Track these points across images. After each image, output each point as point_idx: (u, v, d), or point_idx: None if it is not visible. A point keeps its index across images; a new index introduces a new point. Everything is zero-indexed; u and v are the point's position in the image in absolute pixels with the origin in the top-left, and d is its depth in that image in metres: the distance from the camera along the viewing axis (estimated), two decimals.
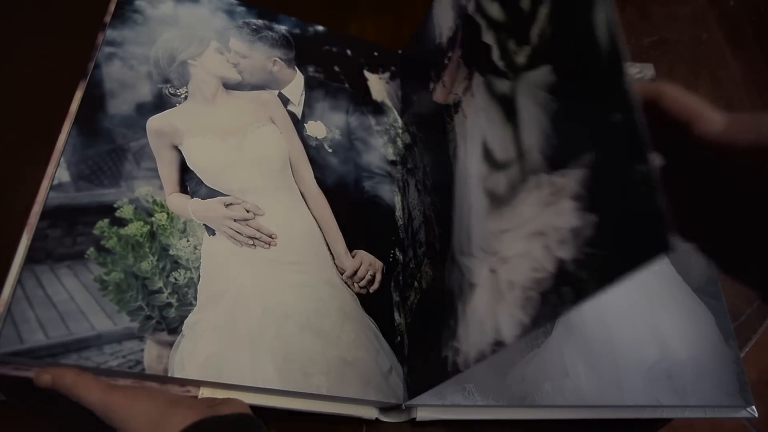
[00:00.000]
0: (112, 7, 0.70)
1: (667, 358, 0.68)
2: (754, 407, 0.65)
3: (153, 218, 0.62)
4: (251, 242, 0.64)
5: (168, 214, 0.63)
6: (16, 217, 0.63)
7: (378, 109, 0.78)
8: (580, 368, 0.67)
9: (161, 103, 0.67)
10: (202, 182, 0.66)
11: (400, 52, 0.84)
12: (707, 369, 0.67)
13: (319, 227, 0.69)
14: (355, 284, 0.67)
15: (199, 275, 0.62)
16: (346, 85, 0.78)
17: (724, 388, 0.66)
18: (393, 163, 0.76)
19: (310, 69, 0.77)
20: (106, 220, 0.61)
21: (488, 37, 0.56)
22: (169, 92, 0.67)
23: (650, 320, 0.70)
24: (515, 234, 0.49)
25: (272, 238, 0.65)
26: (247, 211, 0.65)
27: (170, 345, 0.58)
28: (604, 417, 0.65)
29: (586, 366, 0.67)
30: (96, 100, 0.66)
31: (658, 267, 0.73)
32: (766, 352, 0.81)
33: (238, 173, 0.67)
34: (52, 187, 0.62)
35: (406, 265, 0.70)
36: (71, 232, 0.60)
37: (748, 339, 0.75)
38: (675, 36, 0.98)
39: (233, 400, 0.56)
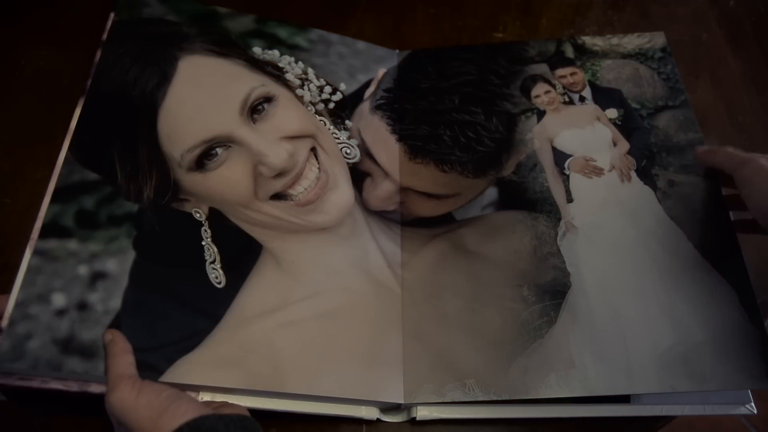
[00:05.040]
0: (109, 24, 0.70)
1: (683, 341, 0.63)
2: (753, 404, 0.65)
3: None
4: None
5: None
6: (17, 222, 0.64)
7: None
8: (586, 357, 0.64)
9: None
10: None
11: (398, 51, 0.84)
12: (728, 351, 0.63)
13: None
14: None
15: None
16: None
17: (748, 371, 0.61)
18: None
19: None
20: None
21: None
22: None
23: (664, 301, 0.66)
24: None
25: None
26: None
27: None
28: (605, 415, 0.65)
29: (594, 354, 0.64)
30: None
31: (673, 242, 0.69)
32: None
33: None
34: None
35: None
36: None
37: None
38: (675, 36, 0.98)
39: (233, 403, 0.57)
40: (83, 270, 0.59)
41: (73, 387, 0.57)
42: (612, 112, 0.78)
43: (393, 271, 0.71)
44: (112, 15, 0.69)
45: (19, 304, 0.56)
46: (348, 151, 0.73)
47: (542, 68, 0.82)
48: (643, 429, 0.71)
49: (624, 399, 0.65)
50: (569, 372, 0.63)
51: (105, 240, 0.61)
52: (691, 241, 0.69)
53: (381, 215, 0.75)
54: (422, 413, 0.64)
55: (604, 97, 0.80)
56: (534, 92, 0.79)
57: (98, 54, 0.67)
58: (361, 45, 0.82)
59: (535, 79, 0.80)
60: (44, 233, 0.60)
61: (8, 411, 0.64)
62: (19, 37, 0.84)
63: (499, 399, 0.63)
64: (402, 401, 0.63)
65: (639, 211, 0.72)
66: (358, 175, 0.74)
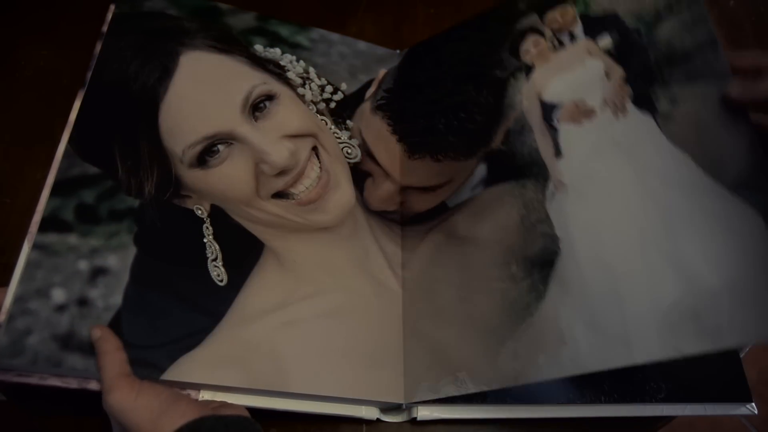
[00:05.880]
0: (109, 16, 0.70)
1: (693, 292, 0.52)
2: (753, 404, 0.65)
3: None
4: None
5: None
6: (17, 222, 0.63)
7: None
8: (578, 330, 0.56)
9: None
10: None
11: (398, 51, 0.84)
12: (752, 293, 0.49)
13: None
14: None
15: None
16: None
17: None
18: None
19: None
20: None
21: None
22: None
23: (666, 247, 0.55)
24: None
25: None
26: None
27: None
28: (605, 415, 0.65)
29: (586, 325, 0.56)
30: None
31: (676, 172, 0.57)
32: (766, 352, 0.81)
33: None
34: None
35: None
36: None
37: None
38: None
39: (233, 404, 0.57)
40: (83, 265, 0.59)
41: (73, 384, 0.56)
42: (605, 41, 0.67)
43: (393, 271, 0.71)
44: (112, 7, 0.69)
45: (18, 299, 0.56)
46: (349, 151, 0.73)
47: (532, 19, 0.73)
48: (643, 429, 0.70)
49: (624, 399, 0.65)
50: (559, 350, 0.57)
51: (105, 235, 0.61)
52: (700, 166, 0.56)
53: (382, 215, 0.74)
54: (423, 413, 0.64)
55: (597, 26, 0.69)
56: (523, 48, 0.71)
57: (98, 46, 0.67)
58: (362, 45, 0.82)
59: (524, 33, 0.72)
60: (44, 227, 0.59)
61: (8, 411, 0.63)
62: (19, 37, 0.84)
63: (490, 389, 0.60)
64: (402, 401, 0.63)
65: (636, 146, 0.61)
66: (359, 175, 0.74)
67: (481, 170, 0.71)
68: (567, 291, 0.59)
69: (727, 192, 0.53)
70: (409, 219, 0.74)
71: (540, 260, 0.62)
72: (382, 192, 0.73)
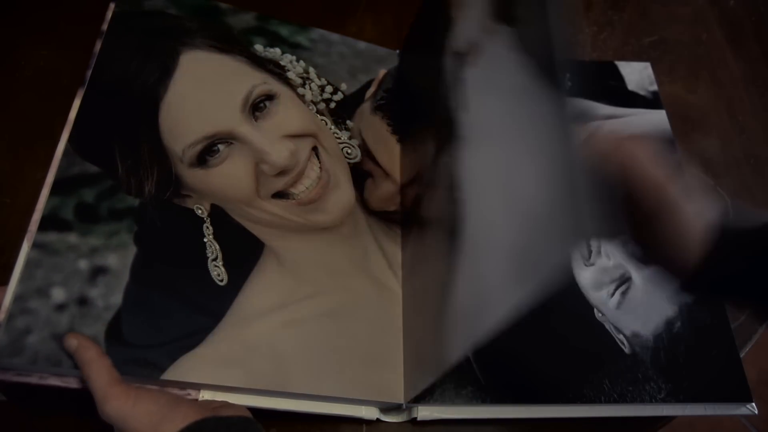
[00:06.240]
0: (108, 14, 0.70)
1: (526, 226, 0.41)
2: (753, 404, 0.65)
3: None
4: None
5: None
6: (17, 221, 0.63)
7: None
8: (471, 301, 0.48)
9: None
10: None
11: (398, 52, 0.84)
12: (562, 203, 0.37)
13: None
14: None
15: None
16: None
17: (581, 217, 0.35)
18: None
19: None
20: None
21: None
22: None
23: (507, 179, 0.45)
24: None
25: None
26: None
27: None
28: (605, 415, 0.65)
29: (474, 294, 0.48)
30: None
31: (516, 85, 0.45)
32: (766, 352, 0.81)
33: None
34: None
35: None
36: None
37: (748, 339, 0.75)
38: (675, 36, 0.99)
39: (234, 404, 0.57)
40: (83, 264, 0.59)
41: (73, 384, 0.56)
42: None
43: (393, 271, 0.71)
44: (112, 6, 0.69)
45: (17, 298, 0.56)
46: (349, 151, 0.73)
47: None
48: (643, 429, 0.70)
49: (624, 399, 0.65)
50: (461, 325, 0.50)
51: (106, 234, 0.60)
52: (539, 67, 0.43)
53: (382, 215, 0.74)
54: (423, 413, 0.64)
55: None
56: (453, 2, 0.61)
57: (98, 44, 0.67)
58: (362, 45, 0.82)
59: None
60: (43, 226, 0.59)
61: (8, 411, 0.63)
62: (19, 37, 0.84)
63: (437, 378, 0.57)
64: (402, 401, 0.63)
65: (483, 70, 0.51)
66: (359, 176, 0.74)
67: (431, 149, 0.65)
68: (467, 258, 0.51)
69: (554, 92, 0.40)
70: (407, 217, 0.74)
71: (454, 230, 0.55)
72: (382, 192, 0.73)
